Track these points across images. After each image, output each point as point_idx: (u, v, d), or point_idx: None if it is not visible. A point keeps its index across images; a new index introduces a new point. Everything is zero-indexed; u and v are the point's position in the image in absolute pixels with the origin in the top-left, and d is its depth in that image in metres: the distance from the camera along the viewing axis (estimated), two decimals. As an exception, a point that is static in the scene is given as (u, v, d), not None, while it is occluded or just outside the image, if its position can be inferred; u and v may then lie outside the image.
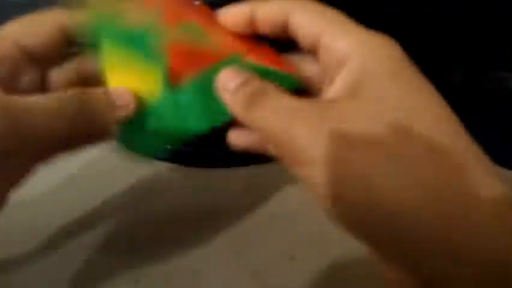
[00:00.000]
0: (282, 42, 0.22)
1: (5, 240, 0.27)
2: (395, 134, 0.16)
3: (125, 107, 0.21)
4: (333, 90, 0.19)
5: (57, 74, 0.23)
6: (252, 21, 0.21)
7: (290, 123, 0.17)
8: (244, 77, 0.20)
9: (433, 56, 0.37)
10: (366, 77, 0.18)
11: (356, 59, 0.18)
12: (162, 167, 0.35)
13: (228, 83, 0.20)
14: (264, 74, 0.20)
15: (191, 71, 0.21)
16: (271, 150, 0.20)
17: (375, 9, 0.34)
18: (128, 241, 0.28)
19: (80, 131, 0.20)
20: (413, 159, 0.16)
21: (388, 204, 0.15)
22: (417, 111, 0.17)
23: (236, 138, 0.22)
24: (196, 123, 0.22)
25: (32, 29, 0.22)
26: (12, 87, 0.20)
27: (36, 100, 0.19)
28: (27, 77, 0.22)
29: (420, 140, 0.16)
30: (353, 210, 0.16)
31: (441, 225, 0.15)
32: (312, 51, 0.20)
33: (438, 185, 0.15)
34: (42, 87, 0.22)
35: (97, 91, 0.21)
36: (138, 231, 0.29)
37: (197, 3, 0.24)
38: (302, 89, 0.22)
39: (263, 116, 0.18)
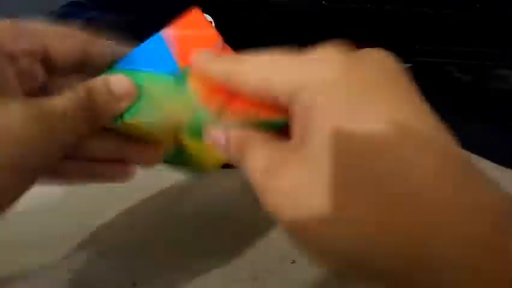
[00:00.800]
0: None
1: (4, 239, 0.27)
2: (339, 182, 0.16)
3: (126, 95, 0.22)
4: (292, 135, 0.19)
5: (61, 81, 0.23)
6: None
7: (270, 177, 0.18)
8: (225, 137, 0.21)
9: (434, 55, 0.37)
10: (308, 120, 0.18)
11: (298, 103, 0.18)
12: (159, 168, 0.35)
13: (218, 140, 0.21)
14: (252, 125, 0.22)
15: None
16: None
17: (377, 8, 0.34)
18: (124, 243, 0.28)
19: (91, 123, 0.21)
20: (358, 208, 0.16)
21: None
22: (365, 143, 0.17)
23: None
24: None
25: (62, 38, 0.22)
26: (28, 86, 0.21)
27: (58, 102, 0.20)
28: (38, 74, 0.22)
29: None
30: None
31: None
32: None
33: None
34: (43, 90, 0.23)
35: (97, 82, 0.21)
36: (135, 234, 0.29)
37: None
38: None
39: (247, 172, 0.20)
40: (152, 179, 0.34)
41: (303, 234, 0.17)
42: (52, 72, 0.23)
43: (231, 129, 0.21)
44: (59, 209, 0.30)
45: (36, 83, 0.22)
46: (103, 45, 0.24)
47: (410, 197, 0.15)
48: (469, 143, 0.43)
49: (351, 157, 0.16)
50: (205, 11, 0.34)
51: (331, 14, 0.34)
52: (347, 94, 0.17)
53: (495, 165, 0.39)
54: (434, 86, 0.55)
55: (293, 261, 0.27)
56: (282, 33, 0.36)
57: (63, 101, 0.20)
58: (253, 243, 0.28)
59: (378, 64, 0.19)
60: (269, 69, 0.20)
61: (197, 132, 0.23)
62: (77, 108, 0.20)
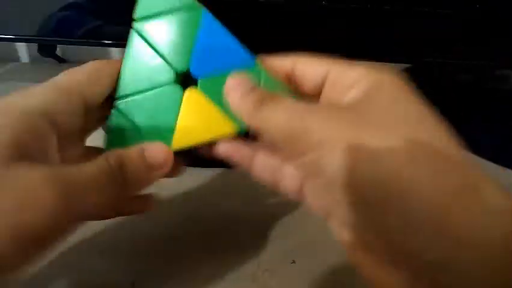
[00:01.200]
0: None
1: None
2: (409, 143, 0.17)
3: (162, 166, 0.21)
4: (345, 101, 0.20)
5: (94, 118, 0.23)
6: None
7: (303, 117, 0.18)
8: (252, 83, 0.21)
9: (434, 55, 0.37)
10: (373, 95, 0.19)
11: (365, 81, 0.19)
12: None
13: (237, 87, 0.21)
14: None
15: None
16: (282, 142, 0.20)
17: (377, 8, 0.34)
18: (123, 243, 0.28)
19: (120, 195, 0.20)
20: (431, 165, 0.16)
21: (401, 187, 0.16)
22: (424, 125, 0.18)
23: (223, 146, 0.23)
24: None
25: (94, 81, 0.22)
26: (69, 139, 0.21)
27: (85, 173, 0.19)
28: (79, 125, 0.22)
29: (430, 148, 0.17)
30: (365, 191, 0.17)
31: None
32: (314, 95, 0.22)
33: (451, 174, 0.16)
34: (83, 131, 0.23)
35: (132, 153, 0.21)
36: (134, 234, 0.29)
37: None
38: None
39: (274, 115, 0.19)
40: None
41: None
42: (89, 113, 0.22)
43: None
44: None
45: (75, 135, 0.22)
46: None
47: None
48: (469, 143, 0.43)
49: None
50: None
51: (331, 14, 0.34)
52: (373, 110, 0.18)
53: (495, 165, 0.39)
54: (434, 86, 0.55)
55: (293, 261, 0.27)
56: (281, 33, 0.36)
57: (91, 169, 0.19)
58: (253, 244, 0.28)
59: (393, 85, 0.19)
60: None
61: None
62: (104, 178, 0.19)
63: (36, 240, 0.18)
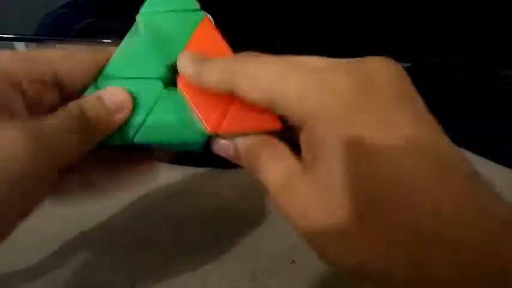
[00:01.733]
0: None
1: (5, 240, 0.27)
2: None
3: (122, 109, 0.22)
4: (303, 153, 0.19)
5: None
6: None
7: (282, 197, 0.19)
8: (232, 147, 0.21)
9: (438, 54, 0.37)
10: (314, 141, 0.18)
11: (304, 127, 0.19)
12: (159, 168, 0.34)
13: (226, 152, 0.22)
14: None
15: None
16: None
17: (377, 8, 0.34)
18: (123, 244, 0.28)
19: (87, 141, 0.21)
20: (370, 220, 0.16)
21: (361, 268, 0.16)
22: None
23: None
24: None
25: (69, 57, 0.22)
26: (35, 108, 0.21)
27: (50, 121, 0.20)
28: (51, 99, 0.22)
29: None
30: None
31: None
32: None
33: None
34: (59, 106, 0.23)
35: (90, 99, 0.22)
36: (134, 234, 0.29)
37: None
38: None
39: (261, 180, 0.20)
40: (153, 180, 0.34)
41: (317, 249, 0.18)
42: (67, 94, 0.23)
43: (238, 139, 0.21)
44: (58, 210, 0.30)
45: (46, 108, 0.22)
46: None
47: (420, 221, 0.16)
48: (469, 142, 0.43)
49: (361, 168, 0.16)
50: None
51: (331, 14, 0.34)
52: (354, 104, 0.17)
53: (495, 165, 0.39)
54: (434, 86, 0.55)
55: (293, 261, 0.27)
56: (281, 33, 0.36)
57: (56, 120, 0.20)
58: (253, 244, 0.28)
59: (381, 73, 0.18)
60: (270, 78, 0.19)
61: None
62: (71, 127, 0.20)
63: (24, 192, 0.19)
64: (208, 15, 0.24)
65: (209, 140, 0.23)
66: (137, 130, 0.23)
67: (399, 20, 0.35)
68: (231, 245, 0.28)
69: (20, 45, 0.63)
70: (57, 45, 0.24)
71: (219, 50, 0.23)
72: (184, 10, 0.24)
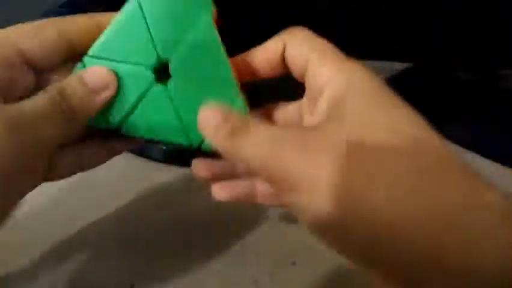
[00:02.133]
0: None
1: (3, 240, 0.27)
2: (381, 152, 0.17)
3: (104, 89, 0.21)
4: (316, 113, 0.20)
5: (54, 79, 0.23)
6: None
7: (277, 151, 0.17)
8: (225, 113, 0.19)
9: (438, 54, 0.37)
10: (344, 98, 0.19)
11: (334, 84, 0.19)
12: (157, 169, 0.34)
13: (209, 120, 0.20)
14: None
15: None
16: (262, 178, 0.20)
17: (377, 8, 0.34)
18: (123, 245, 0.28)
19: (70, 123, 0.20)
20: (406, 177, 0.16)
21: (389, 226, 0.16)
22: (397, 127, 0.18)
23: (219, 191, 0.24)
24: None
25: (33, 34, 0.21)
26: (8, 93, 0.20)
27: (29, 106, 0.19)
28: (24, 82, 0.21)
29: (406, 156, 0.17)
30: (353, 233, 0.16)
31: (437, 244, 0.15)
32: (303, 81, 0.22)
33: (435, 199, 0.16)
34: (36, 90, 0.22)
35: (72, 80, 0.21)
36: (134, 235, 0.29)
37: None
38: None
39: (247, 145, 0.18)
40: (152, 180, 0.34)
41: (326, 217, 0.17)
42: (41, 71, 0.22)
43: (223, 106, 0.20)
44: (58, 210, 0.30)
45: (18, 89, 0.21)
46: (80, 23, 0.22)
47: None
48: (469, 142, 0.43)
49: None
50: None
51: (331, 13, 0.34)
52: (375, 89, 0.19)
53: (495, 165, 0.39)
54: (434, 86, 0.55)
55: (293, 263, 0.27)
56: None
57: (33, 102, 0.19)
58: (254, 246, 0.28)
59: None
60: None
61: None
62: (51, 109, 0.19)
63: (9, 182, 0.18)
64: (212, 16, 0.22)
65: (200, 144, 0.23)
66: (123, 119, 0.22)
67: (400, 19, 0.35)
68: (231, 247, 0.28)
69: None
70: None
71: (213, 59, 0.22)
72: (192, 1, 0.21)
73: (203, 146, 0.23)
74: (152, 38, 0.22)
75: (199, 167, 0.23)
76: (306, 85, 0.22)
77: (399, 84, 0.56)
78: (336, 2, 0.35)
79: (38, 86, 0.22)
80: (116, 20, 0.22)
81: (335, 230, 0.17)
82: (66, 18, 0.22)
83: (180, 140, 0.23)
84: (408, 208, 0.16)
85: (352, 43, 0.37)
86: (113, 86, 0.21)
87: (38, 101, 0.19)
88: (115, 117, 0.22)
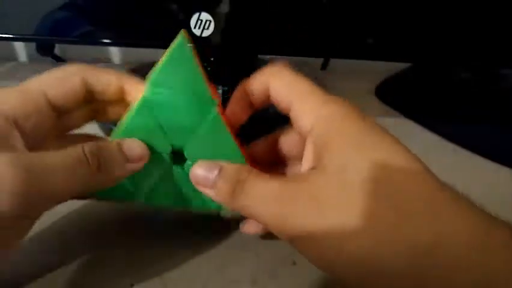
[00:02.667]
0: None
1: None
2: (362, 195, 0.18)
3: (138, 161, 0.23)
4: (305, 159, 0.21)
5: (73, 118, 0.25)
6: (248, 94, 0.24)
7: (279, 208, 0.19)
8: (218, 167, 0.22)
9: (434, 55, 0.37)
10: (326, 145, 0.20)
11: (316, 131, 0.20)
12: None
13: (204, 183, 0.22)
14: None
15: None
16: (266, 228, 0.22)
17: (377, 8, 0.34)
18: (122, 245, 0.28)
19: (93, 184, 0.21)
20: (382, 218, 0.17)
21: (368, 264, 0.17)
22: (379, 169, 0.18)
23: (248, 228, 0.26)
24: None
25: (61, 84, 0.23)
26: (32, 134, 0.21)
27: (55, 157, 0.20)
28: (47, 124, 0.23)
29: (387, 198, 0.18)
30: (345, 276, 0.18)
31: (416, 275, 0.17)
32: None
33: (409, 241, 0.17)
34: (56, 130, 0.24)
35: (111, 145, 0.22)
36: (134, 234, 0.29)
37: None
38: None
39: (250, 205, 0.20)
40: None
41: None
42: (61, 113, 0.23)
43: (223, 162, 0.22)
44: (57, 210, 0.30)
45: (41, 131, 0.22)
46: (105, 75, 0.24)
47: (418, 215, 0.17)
48: (469, 142, 0.43)
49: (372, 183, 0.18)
50: (203, 10, 0.34)
51: (331, 13, 0.34)
52: (358, 127, 0.20)
53: (495, 165, 0.39)
54: (434, 85, 0.55)
55: (294, 263, 0.27)
56: (281, 32, 0.36)
57: (63, 155, 0.20)
58: (254, 245, 0.28)
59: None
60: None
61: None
62: (77, 165, 0.20)
63: (6, 222, 0.18)
64: (217, 106, 0.23)
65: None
66: (145, 193, 0.24)
67: (400, 19, 0.35)
68: (231, 247, 0.28)
69: (20, 45, 0.63)
70: (47, 70, 0.24)
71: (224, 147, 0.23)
72: (194, 93, 0.23)
73: (222, 213, 0.25)
74: (165, 132, 0.23)
75: (249, 227, 0.26)
76: (293, 124, 0.23)
77: (399, 84, 0.57)
78: (337, 1, 0.35)
79: (57, 124, 0.23)
80: (131, 113, 0.23)
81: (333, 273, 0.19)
82: (93, 69, 0.24)
83: (199, 208, 0.25)
84: (391, 250, 0.17)
85: (352, 43, 0.37)
86: (145, 160, 0.23)
87: (68, 154, 0.20)
88: (139, 191, 0.24)
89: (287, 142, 0.26)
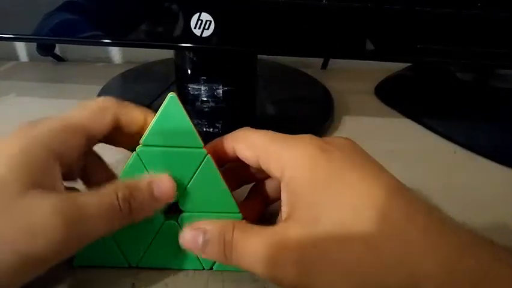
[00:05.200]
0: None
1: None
2: (337, 247, 0.19)
3: (167, 197, 0.23)
4: (283, 209, 0.22)
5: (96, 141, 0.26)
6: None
7: (266, 270, 0.21)
8: (202, 233, 0.22)
9: (434, 55, 0.37)
10: (297, 197, 0.21)
11: (285, 181, 0.22)
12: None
13: (193, 247, 0.23)
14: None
15: None
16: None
17: (377, 8, 0.34)
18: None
19: (122, 225, 0.22)
20: (354, 262, 0.19)
21: None
22: (350, 215, 0.20)
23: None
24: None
25: (96, 119, 0.24)
26: (68, 162, 0.23)
27: (91, 204, 0.21)
28: (80, 151, 0.24)
29: (357, 240, 0.19)
30: None
31: None
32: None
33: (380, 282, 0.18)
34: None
35: (142, 184, 0.23)
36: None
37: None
38: None
39: (242, 262, 0.21)
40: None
41: None
42: (91, 142, 0.25)
43: (207, 223, 0.23)
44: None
45: (75, 157, 0.23)
46: (133, 111, 0.25)
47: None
48: (469, 142, 0.43)
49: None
50: (203, 10, 0.34)
51: (331, 13, 0.34)
52: (323, 171, 0.21)
53: (495, 165, 0.39)
54: (434, 86, 0.55)
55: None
56: (281, 32, 0.36)
57: (99, 199, 0.21)
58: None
59: (345, 147, 0.22)
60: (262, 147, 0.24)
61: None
62: (112, 210, 0.21)
63: (41, 264, 0.20)
64: (209, 155, 0.24)
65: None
66: (140, 257, 0.25)
67: (400, 19, 0.35)
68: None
69: (20, 45, 0.63)
70: (77, 104, 0.25)
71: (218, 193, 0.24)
72: (185, 147, 0.24)
73: (215, 267, 0.26)
74: None
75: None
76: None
77: (399, 84, 0.57)
78: (336, 1, 0.35)
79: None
80: (123, 172, 0.24)
81: None
82: (125, 106, 0.25)
83: (193, 265, 0.26)
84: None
85: (352, 44, 0.37)
86: (174, 195, 0.24)
87: (103, 198, 0.21)
88: (133, 256, 0.25)
89: (270, 187, 0.28)
